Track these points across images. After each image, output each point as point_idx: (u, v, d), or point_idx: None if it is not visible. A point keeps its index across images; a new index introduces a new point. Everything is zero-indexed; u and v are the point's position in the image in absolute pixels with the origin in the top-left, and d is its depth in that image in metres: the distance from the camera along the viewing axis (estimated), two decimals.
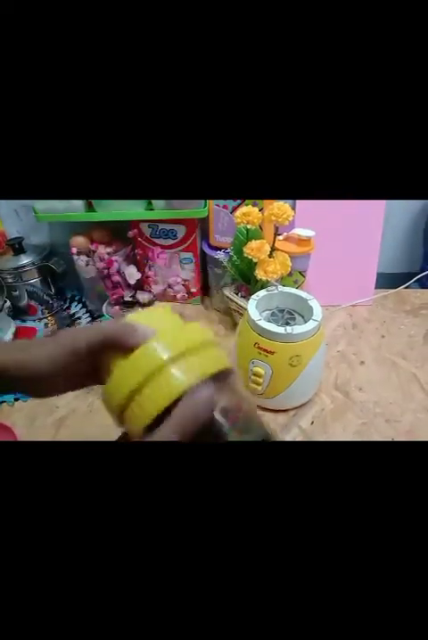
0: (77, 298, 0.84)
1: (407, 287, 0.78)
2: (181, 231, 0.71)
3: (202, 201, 0.67)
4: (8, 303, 0.74)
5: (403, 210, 1.06)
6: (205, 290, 0.82)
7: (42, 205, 0.67)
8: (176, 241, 0.72)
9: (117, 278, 0.68)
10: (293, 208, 0.73)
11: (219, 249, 0.71)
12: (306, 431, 0.54)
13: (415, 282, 0.79)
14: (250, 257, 0.59)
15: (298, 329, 0.50)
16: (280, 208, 0.55)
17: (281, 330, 0.49)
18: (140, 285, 0.74)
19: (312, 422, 0.56)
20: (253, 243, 0.59)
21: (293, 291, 0.58)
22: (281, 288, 0.58)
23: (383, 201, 0.71)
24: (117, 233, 0.75)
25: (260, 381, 0.52)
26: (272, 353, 0.50)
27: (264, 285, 0.61)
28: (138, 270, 0.70)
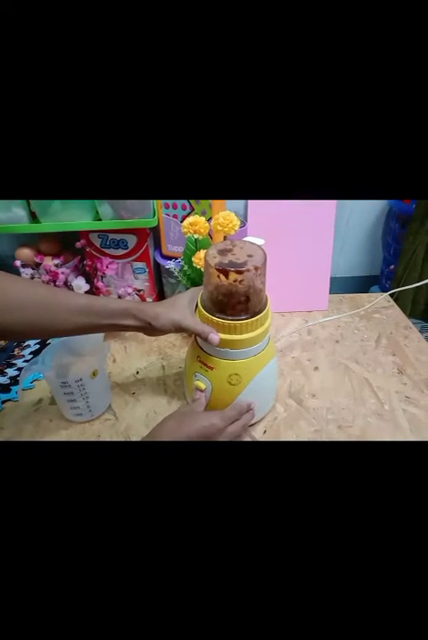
0: None
1: (365, 291, 0.80)
2: (132, 241, 0.70)
3: (151, 211, 0.65)
4: None
5: (364, 215, 1.08)
6: (162, 299, 0.81)
7: None
8: (127, 251, 0.70)
9: None
10: (245, 216, 0.73)
11: (172, 258, 0.70)
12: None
13: (374, 285, 0.80)
14: (199, 267, 0.59)
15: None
16: (226, 217, 0.54)
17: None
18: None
19: (265, 432, 0.55)
20: (202, 253, 0.58)
21: None
22: None
23: (334, 208, 0.72)
24: (66, 244, 0.72)
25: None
26: (211, 368, 0.49)
27: None
28: (87, 282, 0.68)
